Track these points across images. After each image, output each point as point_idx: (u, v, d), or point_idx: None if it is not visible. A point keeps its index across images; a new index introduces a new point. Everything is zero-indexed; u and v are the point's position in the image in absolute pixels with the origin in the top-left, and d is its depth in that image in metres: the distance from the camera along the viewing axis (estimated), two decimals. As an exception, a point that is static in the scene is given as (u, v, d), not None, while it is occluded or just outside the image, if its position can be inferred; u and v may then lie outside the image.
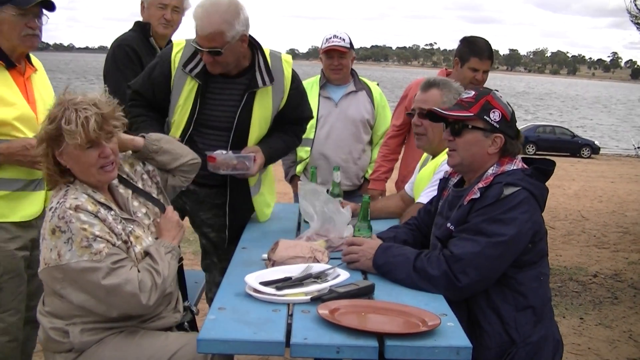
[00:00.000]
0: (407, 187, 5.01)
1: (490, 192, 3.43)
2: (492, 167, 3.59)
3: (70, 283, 3.29)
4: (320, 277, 3.35)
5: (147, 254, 3.48)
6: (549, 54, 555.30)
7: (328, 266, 3.51)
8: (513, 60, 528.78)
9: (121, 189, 3.66)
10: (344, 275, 3.39)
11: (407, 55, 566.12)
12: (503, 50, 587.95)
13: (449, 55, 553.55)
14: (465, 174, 3.75)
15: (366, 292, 3.27)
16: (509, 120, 3.60)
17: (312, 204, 4.23)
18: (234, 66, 4.56)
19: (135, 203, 3.68)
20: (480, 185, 3.49)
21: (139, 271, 3.35)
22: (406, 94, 5.96)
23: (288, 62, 4.80)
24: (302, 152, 6.33)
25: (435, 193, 4.22)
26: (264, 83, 4.58)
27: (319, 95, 6.28)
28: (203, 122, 4.64)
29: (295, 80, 4.81)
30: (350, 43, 6.19)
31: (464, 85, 5.44)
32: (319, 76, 6.40)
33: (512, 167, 3.56)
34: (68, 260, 3.21)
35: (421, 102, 4.54)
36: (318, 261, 3.63)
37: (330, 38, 6.14)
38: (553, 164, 3.65)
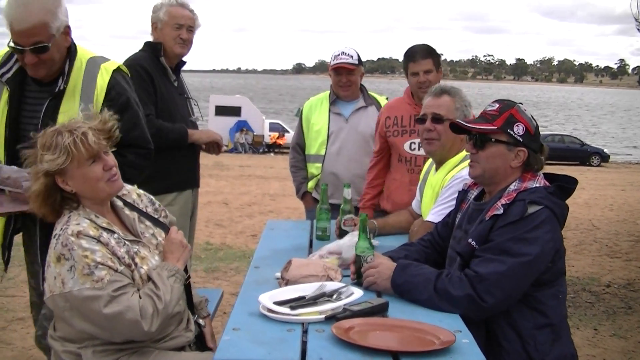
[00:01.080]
0: (414, 204, 5.01)
1: (514, 210, 3.41)
2: (514, 183, 3.57)
3: (73, 310, 3.27)
4: (334, 295, 3.34)
5: (149, 278, 3.46)
6: (555, 63, 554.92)
7: (341, 284, 3.49)
8: (520, 70, 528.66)
9: (127, 211, 3.66)
10: (357, 293, 3.38)
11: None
12: (510, 60, 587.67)
13: (455, 66, 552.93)
14: (486, 186, 3.74)
15: (380, 310, 3.27)
16: (532, 134, 3.59)
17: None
18: (57, 67, 4.10)
19: (142, 225, 3.68)
20: (503, 201, 3.47)
21: (140, 297, 3.32)
22: (379, 119, 5.89)
23: (107, 70, 4.23)
24: (313, 168, 6.36)
25: (445, 211, 4.25)
26: (59, 88, 4.09)
27: (329, 111, 6.29)
28: (22, 140, 3.91)
29: (112, 92, 4.19)
30: (359, 59, 6.19)
31: (413, 91, 5.54)
32: (328, 92, 6.40)
33: (534, 184, 3.54)
34: (71, 288, 3.21)
35: (435, 107, 4.53)
36: (331, 279, 3.63)
37: (338, 55, 6.13)
38: (575, 181, 3.63)
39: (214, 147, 5.77)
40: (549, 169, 3.70)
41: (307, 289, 3.43)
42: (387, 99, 6.60)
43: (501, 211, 3.43)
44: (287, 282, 3.62)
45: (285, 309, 3.18)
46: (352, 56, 6.12)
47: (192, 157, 5.75)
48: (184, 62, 5.82)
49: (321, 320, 3.13)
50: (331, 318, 3.12)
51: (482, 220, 3.53)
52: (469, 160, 4.34)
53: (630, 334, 7.30)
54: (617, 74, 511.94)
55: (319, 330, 3.04)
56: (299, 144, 6.49)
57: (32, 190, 3.40)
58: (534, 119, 3.65)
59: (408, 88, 5.68)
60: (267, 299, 3.28)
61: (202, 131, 5.79)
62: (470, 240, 3.52)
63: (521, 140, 3.54)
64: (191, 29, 5.64)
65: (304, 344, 2.92)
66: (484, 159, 3.61)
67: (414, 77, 5.47)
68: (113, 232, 3.42)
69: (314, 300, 3.28)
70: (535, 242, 3.35)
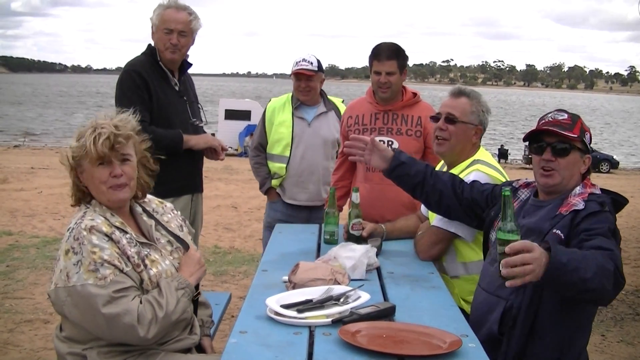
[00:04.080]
0: (422, 208, 4.99)
1: (591, 205, 3.48)
2: (578, 187, 3.64)
3: (73, 305, 3.30)
4: (341, 299, 3.36)
5: (158, 285, 3.47)
6: (565, 69, 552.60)
7: (349, 288, 3.51)
8: (530, 76, 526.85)
9: (145, 218, 3.71)
10: (364, 297, 3.40)
11: (424, 72, 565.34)
12: (520, 66, 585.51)
13: (465, 71, 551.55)
14: (552, 194, 3.75)
15: (387, 314, 3.28)
16: (591, 141, 3.72)
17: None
18: None
19: (158, 233, 3.71)
20: (578, 199, 3.54)
21: (141, 302, 3.34)
22: (342, 120, 6.02)
23: None
24: (277, 168, 6.58)
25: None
26: None
27: (293, 115, 6.50)
28: None
29: None
30: (319, 66, 6.43)
31: (374, 90, 5.57)
32: (290, 94, 6.64)
33: (597, 191, 3.63)
34: (75, 282, 3.24)
35: (450, 107, 4.56)
36: (338, 283, 3.63)
37: (299, 61, 6.40)
38: (626, 200, 3.70)
39: (213, 153, 5.77)
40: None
41: (314, 293, 3.45)
42: (342, 101, 6.84)
43: (582, 205, 3.49)
44: (295, 286, 3.63)
45: (292, 312, 3.20)
46: (311, 63, 6.37)
47: (191, 163, 5.73)
48: (190, 64, 5.80)
49: (328, 323, 3.14)
50: (338, 321, 3.13)
51: (557, 215, 3.55)
52: (477, 165, 4.36)
53: (638, 340, 7.30)
54: (627, 80, 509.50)
55: (326, 334, 3.05)
56: (262, 144, 6.68)
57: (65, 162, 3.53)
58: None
59: (370, 87, 5.72)
60: (274, 302, 3.30)
61: (200, 137, 5.74)
62: (555, 230, 3.48)
63: (589, 148, 3.68)
64: (184, 33, 5.53)
65: (311, 347, 2.93)
66: (564, 167, 3.65)
67: (376, 76, 5.50)
68: (126, 232, 3.46)
69: (321, 303, 3.30)
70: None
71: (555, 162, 3.66)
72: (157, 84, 5.43)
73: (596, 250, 3.19)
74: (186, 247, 3.79)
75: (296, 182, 6.48)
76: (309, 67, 6.34)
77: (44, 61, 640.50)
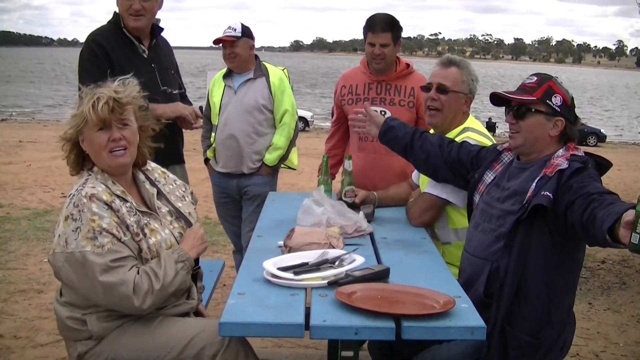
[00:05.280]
0: (413, 175, 5.05)
1: (574, 164, 3.53)
2: (560, 150, 3.69)
3: (70, 271, 3.34)
4: (336, 262, 3.41)
5: (157, 254, 3.52)
6: (554, 43, 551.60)
7: (343, 252, 3.56)
8: (518, 50, 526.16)
9: (147, 186, 3.75)
10: (359, 260, 3.45)
11: (412, 46, 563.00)
12: (508, 40, 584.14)
13: (453, 44, 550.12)
14: (526, 155, 3.83)
15: (382, 276, 3.34)
16: (569, 105, 3.73)
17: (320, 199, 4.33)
18: None
19: (159, 202, 3.76)
20: (562, 159, 3.59)
21: (138, 273, 3.37)
22: (335, 89, 6.06)
23: None
24: (212, 137, 6.67)
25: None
26: None
27: (225, 84, 6.59)
28: None
29: None
30: (243, 31, 6.39)
31: (368, 61, 5.61)
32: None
33: (579, 153, 3.66)
34: (73, 249, 3.28)
35: (441, 77, 4.58)
36: (333, 247, 3.70)
37: (225, 29, 6.43)
38: (609, 163, 3.74)
39: (184, 122, 5.52)
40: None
41: (309, 256, 3.50)
42: (283, 70, 6.80)
43: (565, 164, 3.54)
44: (290, 250, 3.69)
45: (289, 275, 3.25)
46: (235, 29, 6.37)
47: (164, 133, 5.37)
48: (161, 29, 5.52)
49: (324, 285, 3.20)
50: (334, 283, 3.20)
51: (542, 177, 3.57)
52: (467, 132, 4.43)
53: (624, 308, 7.41)
54: (615, 55, 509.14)
55: (322, 295, 3.11)
56: (207, 116, 6.72)
57: (65, 135, 3.55)
58: (569, 92, 3.78)
59: (364, 57, 5.76)
60: (271, 265, 3.35)
61: (168, 105, 5.39)
62: (545, 192, 3.48)
63: (559, 110, 3.68)
64: None
65: (308, 308, 2.99)
66: (524, 129, 3.72)
67: (370, 47, 5.54)
68: (126, 200, 3.50)
69: (317, 266, 3.35)
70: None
71: (516, 125, 3.75)
72: (120, 53, 5.17)
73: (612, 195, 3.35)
74: (189, 224, 3.83)
75: (221, 149, 6.55)
76: (232, 33, 6.35)
77: (30, 35, 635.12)
